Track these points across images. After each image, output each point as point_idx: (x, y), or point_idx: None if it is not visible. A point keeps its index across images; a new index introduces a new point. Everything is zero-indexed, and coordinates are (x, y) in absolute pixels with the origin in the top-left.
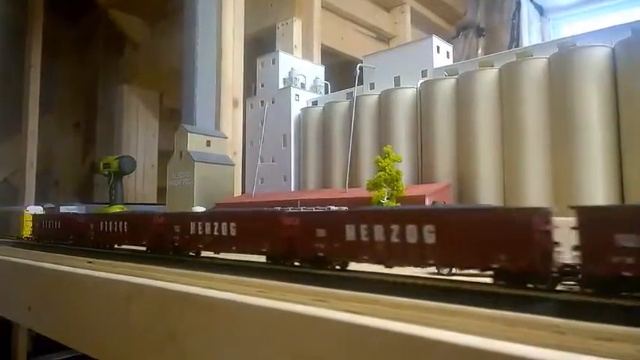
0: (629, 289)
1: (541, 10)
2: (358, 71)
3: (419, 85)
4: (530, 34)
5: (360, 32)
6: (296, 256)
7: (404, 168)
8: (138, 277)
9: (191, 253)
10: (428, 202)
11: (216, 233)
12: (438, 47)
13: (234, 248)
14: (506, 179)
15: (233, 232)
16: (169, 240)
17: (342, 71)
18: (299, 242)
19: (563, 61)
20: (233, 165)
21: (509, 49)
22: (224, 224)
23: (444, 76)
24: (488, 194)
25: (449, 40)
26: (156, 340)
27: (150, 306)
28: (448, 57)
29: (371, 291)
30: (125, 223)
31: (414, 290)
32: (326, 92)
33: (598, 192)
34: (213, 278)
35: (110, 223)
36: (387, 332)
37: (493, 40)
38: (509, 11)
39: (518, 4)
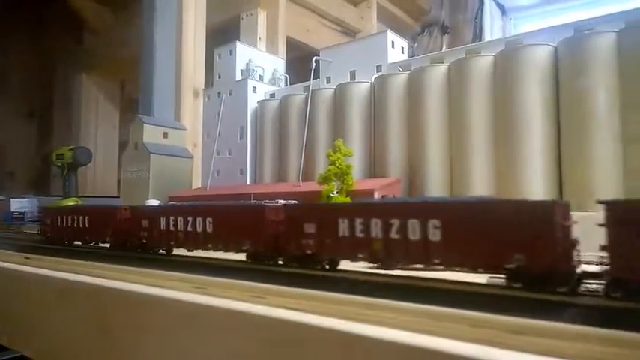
0: None
1: (503, 10)
2: (314, 64)
3: (373, 80)
4: (493, 33)
5: (326, 26)
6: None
7: (357, 162)
8: (69, 272)
9: (162, 251)
10: (377, 196)
11: (190, 229)
12: (392, 42)
13: (209, 245)
14: (453, 173)
15: (209, 229)
16: (136, 236)
17: (308, 64)
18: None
19: (507, 59)
20: (191, 158)
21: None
22: (199, 219)
23: (398, 72)
24: (436, 188)
25: (414, 36)
26: (87, 336)
27: (82, 302)
28: (403, 52)
29: (317, 288)
30: (84, 217)
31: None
32: (286, 85)
33: (538, 185)
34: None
35: (63, 217)
36: (322, 329)
37: (457, 37)
38: (472, 10)
39: (481, 3)
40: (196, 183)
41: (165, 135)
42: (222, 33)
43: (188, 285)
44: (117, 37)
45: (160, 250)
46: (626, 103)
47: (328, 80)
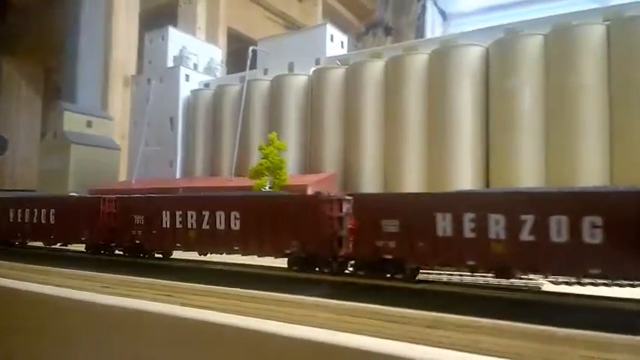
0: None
1: (444, 15)
2: (251, 54)
3: (311, 73)
4: (434, 36)
5: (270, 19)
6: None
7: (292, 156)
8: None
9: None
10: (310, 191)
11: (35, 221)
12: (332, 36)
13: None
14: (387, 167)
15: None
16: None
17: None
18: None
19: (441, 58)
20: (118, 149)
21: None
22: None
23: (337, 65)
24: (371, 182)
25: (359, 36)
26: None
27: None
28: (342, 47)
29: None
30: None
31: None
32: (227, 75)
33: (467, 176)
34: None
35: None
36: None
37: (400, 39)
38: (415, 14)
39: (424, 8)
40: (124, 176)
41: (89, 124)
42: (158, 18)
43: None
44: (44, 20)
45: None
46: (552, 101)
47: (266, 72)
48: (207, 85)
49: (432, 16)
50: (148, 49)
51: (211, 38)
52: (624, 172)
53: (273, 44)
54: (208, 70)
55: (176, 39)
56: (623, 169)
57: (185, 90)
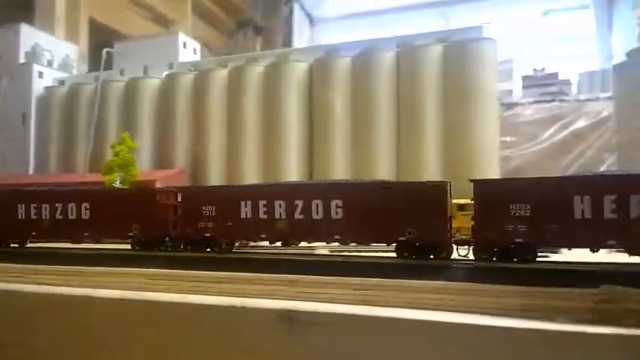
0: None
1: (311, 19)
2: (105, 56)
3: (164, 76)
4: (301, 40)
5: (136, 11)
6: None
7: (145, 154)
8: None
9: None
10: (159, 186)
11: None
12: (184, 43)
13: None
14: (230, 164)
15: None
16: None
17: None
18: None
19: (273, 70)
20: None
21: (281, 49)
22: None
23: (188, 71)
24: (216, 176)
25: (230, 33)
26: None
27: None
28: (195, 53)
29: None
30: None
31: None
32: (89, 71)
33: (294, 174)
34: None
35: None
36: None
37: (269, 39)
38: (283, 16)
39: (291, 11)
40: None
41: None
42: (13, 8)
43: None
44: None
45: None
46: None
47: (122, 72)
48: (62, 82)
49: (299, 19)
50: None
51: (72, 29)
52: (408, 168)
53: (130, 47)
54: (64, 66)
55: (28, 35)
56: (407, 165)
57: (39, 87)
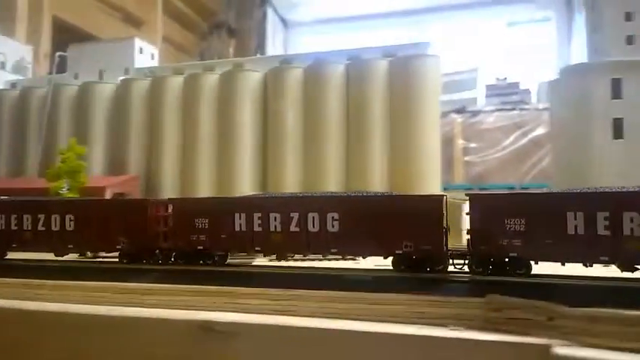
0: None
1: (285, 23)
2: (58, 59)
3: (119, 82)
4: (275, 43)
5: (104, 11)
6: None
7: (99, 160)
8: None
9: None
10: (109, 193)
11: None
12: (141, 48)
13: None
14: (183, 172)
15: None
16: None
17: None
18: None
19: (228, 79)
20: None
21: (255, 54)
22: None
23: (144, 77)
24: (170, 185)
25: (203, 35)
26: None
27: None
28: (153, 59)
29: None
30: None
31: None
32: (50, 73)
33: (247, 183)
34: None
35: None
36: None
37: (243, 42)
38: (257, 19)
39: (264, 14)
40: None
41: None
42: None
43: None
44: None
45: None
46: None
47: (76, 77)
48: (14, 85)
49: (273, 23)
50: None
51: (34, 29)
52: (356, 178)
53: (86, 50)
54: (18, 68)
55: None
56: (354, 175)
57: None
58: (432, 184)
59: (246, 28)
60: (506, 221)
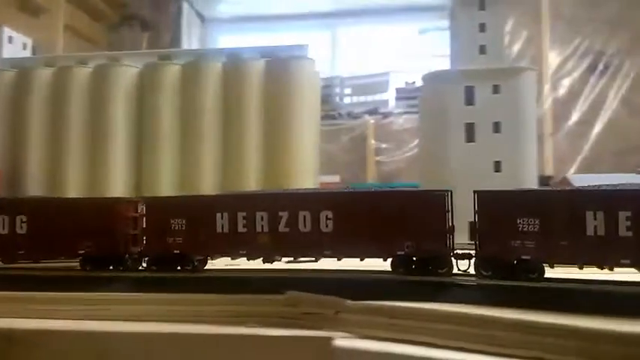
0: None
1: (202, 19)
2: None
3: None
4: (191, 39)
5: None
6: None
7: None
8: None
9: None
10: None
11: None
12: (10, 37)
13: None
14: (51, 170)
15: None
16: None
17: None
18: None
19: (101, 74)
20: None
21: (170, 48)
22: None
23: (9, 69)
24: (36, 183)
25: (115, 27)
26: None
27: None
28: (25, 49)
29: None
30: None
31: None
32: None
33: (120, 182)
34: None
35: None
36: None
37: (157, 36)
38: (172, 13)
39: (179, 9)
40: None
41: None
42: None
43: None
44: None
45: None
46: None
47: None
48: None
49: (188, 18)
50: None
51: None
52: (231, 178)
53: None
54: None
55: None
56: (230, 175)
57: None
58: (306, 184)
59: (161, 21)
60: (518, 221)
